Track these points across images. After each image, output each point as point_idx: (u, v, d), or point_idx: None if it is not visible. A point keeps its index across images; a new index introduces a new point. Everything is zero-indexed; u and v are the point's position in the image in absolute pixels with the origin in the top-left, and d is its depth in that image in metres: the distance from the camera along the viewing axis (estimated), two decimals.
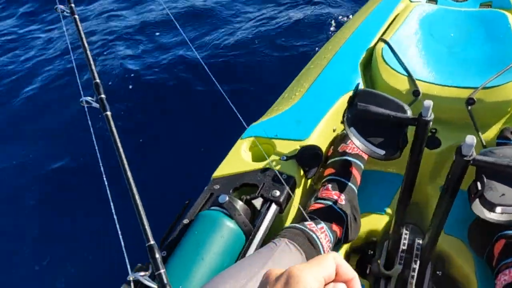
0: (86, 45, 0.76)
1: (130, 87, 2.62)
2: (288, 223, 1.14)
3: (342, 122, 1.02)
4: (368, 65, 1.46)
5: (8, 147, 2.31)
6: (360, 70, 1.41)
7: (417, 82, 1.29)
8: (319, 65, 1.47)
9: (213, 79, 1.00)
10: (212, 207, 1.00)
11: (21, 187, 2.08)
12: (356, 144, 0.98)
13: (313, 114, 1.28)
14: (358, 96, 0.98)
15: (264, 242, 0.99)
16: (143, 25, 3.05)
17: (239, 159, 1.19)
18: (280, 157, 1.16)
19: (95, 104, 0.64)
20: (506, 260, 0.96)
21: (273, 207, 1.05)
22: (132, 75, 2.68)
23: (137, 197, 0.54)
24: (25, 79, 2.72)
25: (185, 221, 1.05)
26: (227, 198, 0.98)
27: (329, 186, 1.14)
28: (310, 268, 0.40)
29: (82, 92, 0.70)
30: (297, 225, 0.98)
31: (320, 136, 1.24)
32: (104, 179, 0.70)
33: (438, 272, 1.14)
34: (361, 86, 1.41)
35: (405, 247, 1.12)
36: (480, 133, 1.21)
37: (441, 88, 1.27)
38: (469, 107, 1.22)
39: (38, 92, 2.60)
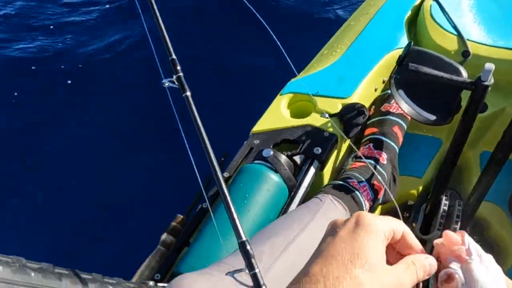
0: (159, 17, 0.71)
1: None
2: (327, 180, 1.13)
3: (389, 83, 0.97)
4: (414, 23, 1.39)
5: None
6: (405, 27, 1.34)
7: (467, 42, 1.23)
8: (361, 21, 1.40)
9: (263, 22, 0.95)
10: (256, 161, 0.98)
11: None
12: (403, 107, 0.94)
13: (355, 72, 1.23)
14: (409, 56, 0.93)
15: (306, 197, 0.99)
16: None
17: (279, 115, 1.16)
18: (321, 114, 1.14)
19: (173, 85, 0.60)
20: None
21: (315, 164, 1.04)
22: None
23: (227, 193, 0.52)
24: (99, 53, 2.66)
25: (226, 174, 1.05)
26: (271, 152, 0.97)
27: (371, 145, 1.12)
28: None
29: (160, 70, 0.65)
30: (340, 181, 0.98)
31: (362, 94, 1.21)
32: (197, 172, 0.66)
33: (475, 237, 1.14)
34: (398, 52, 1.35)
35: (444, 213, 1.11)
36: None
37: (492, 49, 1.21)
38: None
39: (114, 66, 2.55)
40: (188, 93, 0.61)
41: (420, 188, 1.24)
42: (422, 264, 0.39)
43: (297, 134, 1.10)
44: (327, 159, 1.06)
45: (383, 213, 1.22)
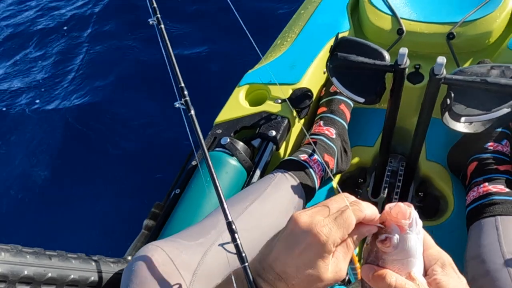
0: (171, 52, 0.88)
1: None
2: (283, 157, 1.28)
3: (326, 70, 1.09)
4: (356, 8, 1.51)
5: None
6: (348, 13, 1.47)
7: (401, 20, 1.35)
8: (309, 9, 1.53)
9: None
10: (216, 149, 1.13)
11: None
12: (340, 91, 1.07)
13: (304, 58, 1.37)
14: (339, 45, 1.05)
15: (263, 175, 1.14)
16: None
17: (238, 105, 1.30)
18: (274, 100, 1.28)
19: (182, 106, 0.78)
20: (476, 179, 1.09)
21: (270, 145, 1.19)
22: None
23: (220, 190, 0.67)
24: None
25: (194, 162, 1.20)
26: (228, 140, 1.11)
27: (321, 122, 1.26)
28: (333, 228, 0.49)
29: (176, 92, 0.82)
30: (291, 157, 1.12)
31: (312, 79, 1.34)
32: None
33: (420, 193, 1.29)
34: (351, 33, 1.48)
35: (389, 173, 1.26)
36: (459, 65, 1.30)
37: (423, 25, 1.34)
38: (450, 42, 1.30)
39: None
40: (193, 112, 0.78)
41: (372, 155, 1.38)
42: (359, 236, 0.51)
43: (254, 121, 1.24)
44: (281, 140, 1.21)
45: (341, 180, 1.37)
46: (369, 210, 0.51)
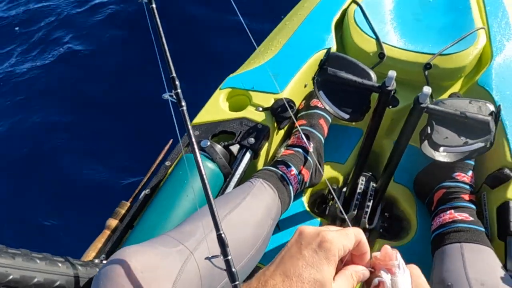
0: (163, 37, 0.78)
1: None
2: (261, 167, 1.26)
3: (313, 84, 1.10)
4: (341, 26, 1.54)
5: None
6: (332, 29, 1.49)
7: (383, 45, 1.40)
8: (294, 21, 1.54)
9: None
10: None
11: None
12: (324, 105, 1.07)
13: (287, 69, 1.36)
14: (329, 60, 1.06)
15: (240, 182, 1.11)
16: None
17: (218, 108, 1.27)
18: (255, 108, 1.26)
19: (172, 99, 0.69)
20: (443, 206, 1.14)
21: (248, 153, 1.17)
22: None
23: (211, 198, 0.61)
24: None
25: (167, 163, 1.14)
26: (208, 143, 1.08)
27: (300, 135, 1.26)
28: (340, 236, 0.50)
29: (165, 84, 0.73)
30: (270, 167, 1.11)
31: (293, 90, 1.34)
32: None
33: (386, 214, 1.33)
34: (334, 49, 1.50)
35: (361, 191, 1.29)
36: (433, 94, 1.36)
37: (403, 52, 1.39)
38: (426, 72, 1.36)
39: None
40: (184, 107, 0.70)
41: (344, 173, 1.41)
42: (359, 275, 0.52)
43: (233, 126, 1.22)
44: (260, 148, 1.19)
45: (311, 194, 1.38)
46: (362, 235, 0.53)
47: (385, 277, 0.51)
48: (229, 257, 0.53)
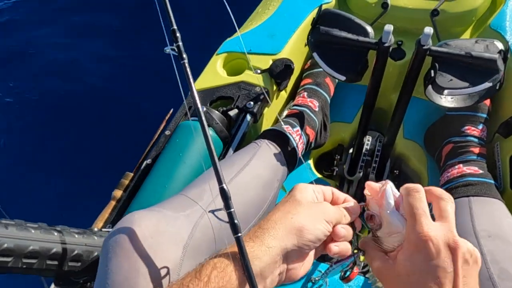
0: None
1: None
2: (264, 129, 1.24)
3: (306, 44, 1.04)
4: None
5: None
6: None
7: None
8: None
9: None
10: (192, 118, 1.08)
11: None
12: (321, 67, 1.01)
13: (285, 28, 1.31)
14: (321, 18, 1.00)
15: (240, 146, 1.10)
16: None
17: (215, 73, 1.24)
18: (254, 71, 1.23)
19: (173, 52, 0.66)
20: (451, 160, 1.09)
21: (248, 117, 1.14)
22: None
23: (212, 147, 0.59)
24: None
25: (167, 132, 1.14)
26: (204, 109, 1.06)
27: (305, 94, 1.22)
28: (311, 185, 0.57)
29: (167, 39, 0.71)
30: (275, 128, 1.08)
31: (293, 49, 1.29)
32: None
33: (395, 171, 1.29)
34: (333, 4, 1.43)
35: (367, 152, 1.25)
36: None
37: (408, 0, 1.31)
38: (434, 18, 1.27)
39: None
40: (186, 60, 0.68)
41: (351, 132, 1.37)
42: (347, 208, 0.58)
43: (231, 91, 1.19)
44: (259, 111, 1.17)
45: (316, 157, 1.35)
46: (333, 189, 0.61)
47: (374, 210, 0.55)
48: (232, 210, 0.53)
